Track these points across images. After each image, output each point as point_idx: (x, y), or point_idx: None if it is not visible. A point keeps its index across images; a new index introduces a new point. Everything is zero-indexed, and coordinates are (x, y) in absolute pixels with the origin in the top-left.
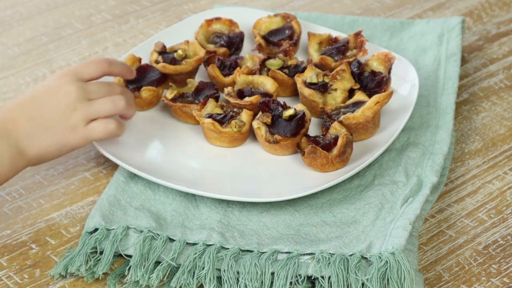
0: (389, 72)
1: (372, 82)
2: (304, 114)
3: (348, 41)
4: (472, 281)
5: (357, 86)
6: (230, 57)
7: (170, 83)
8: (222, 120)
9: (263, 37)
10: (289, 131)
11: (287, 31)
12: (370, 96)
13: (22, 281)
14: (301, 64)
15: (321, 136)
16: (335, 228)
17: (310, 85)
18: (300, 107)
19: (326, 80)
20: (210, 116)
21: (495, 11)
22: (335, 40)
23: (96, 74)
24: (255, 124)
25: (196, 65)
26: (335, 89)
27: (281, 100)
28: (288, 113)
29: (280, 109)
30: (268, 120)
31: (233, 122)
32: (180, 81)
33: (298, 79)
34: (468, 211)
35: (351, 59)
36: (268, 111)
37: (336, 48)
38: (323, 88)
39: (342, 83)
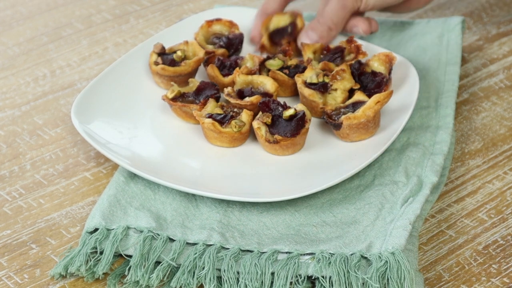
0: (389, 73)
1: (373, 83)
2: (304, 114)
3: (343, 48)
4: (472, 281)
5: (357, 86)
6: (230, 57)
7: (171, 83)
8: (222, 120)
9: (269, 35)
10: (289, 131)
11: (289, 29)
12: (370, 96)
13: (22, 281)
14: (301, 64)
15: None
16: (335, 228)
17: (310, 85)
18: (300, 107)
19: (326, 80)
20: (210, 116)
21: (495, 11)
22: (327, 49)
23: None
24: (255, 124)
25: (195, 66)
26: (335, 89)
27: (281, 100)
28: (288, 113)
29: (280, 109)
30: (268, 120)
31: (233, 122)
32: (180, 82)
33: (298, 79)
34: (468, 211)
35: (352, 62)
36: (268, 111)
37: (332, 56)
38: (323, 88)
39: (342, 83)
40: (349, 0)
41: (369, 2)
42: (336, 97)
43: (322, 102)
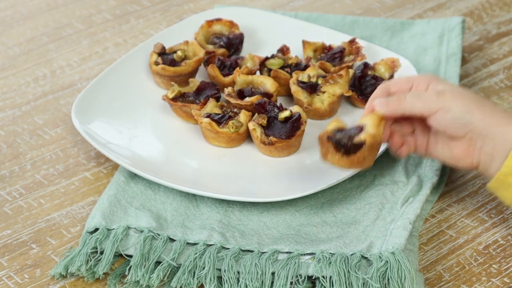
0: (389, 79)
1: (371, 87)
2: (300, 116)
3: (342, 48)
4: (473, 281)
5: (349, 94)
6: (230, 57)
7: (172, 82)
8: (220, 120)
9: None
10: (284, 133)
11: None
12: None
13: (23, 281)
14: (301, 63)
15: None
16: (336, 228)
17: (300, 83)
18: (296, 108)
19: (319, 81)
20: (208, 115)
21: (495, 11)
22: (329, 48)
23: None
24: (251, 125)
25: (196, 66)
26: (324, 92)
27: (279, 100)
28: (283, 115)
29: (276, 110)
30: (264, 121)
31: (230, 122)
32: (180, 82)
33: (294, 75)
34: (468, 211)
35: (350, 64)
36: (264, 112)
37: (332, 55)
38: (310, 88)
39: (333, 88)
40: (430, 101)
41: (438, 119)
42: (323, 100)
43: (307, 102)
